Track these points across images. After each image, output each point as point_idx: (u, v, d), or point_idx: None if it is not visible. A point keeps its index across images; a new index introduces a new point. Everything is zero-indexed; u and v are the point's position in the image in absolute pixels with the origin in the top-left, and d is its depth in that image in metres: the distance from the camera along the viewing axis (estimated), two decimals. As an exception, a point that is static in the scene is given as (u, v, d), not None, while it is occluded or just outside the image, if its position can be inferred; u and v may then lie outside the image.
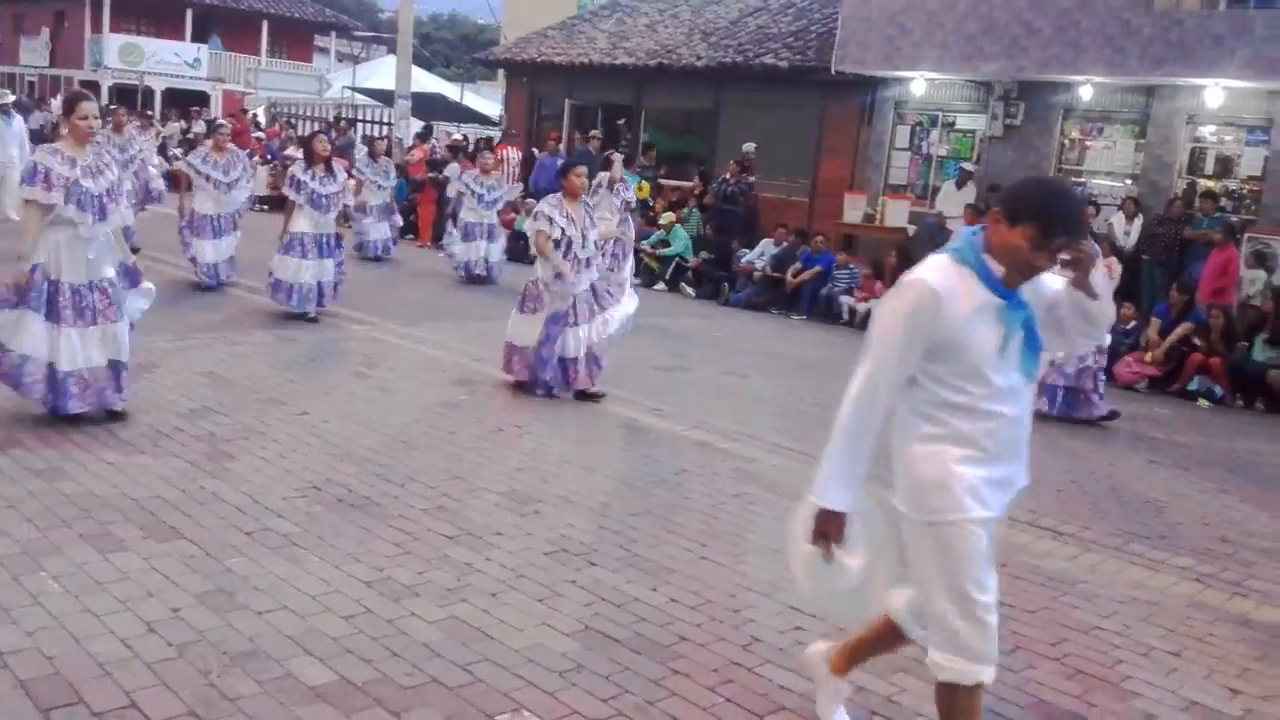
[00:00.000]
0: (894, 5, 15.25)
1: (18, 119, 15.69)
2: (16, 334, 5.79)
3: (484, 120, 28.18)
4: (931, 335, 2.88)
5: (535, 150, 19.73)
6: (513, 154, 18.81)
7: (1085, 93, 14.34)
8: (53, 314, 5.82)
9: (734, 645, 4.06)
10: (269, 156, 21.27)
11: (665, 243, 15.88)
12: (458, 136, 22.95)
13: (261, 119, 29.05)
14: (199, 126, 25.96)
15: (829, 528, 2.99)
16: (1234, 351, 11.00)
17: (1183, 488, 7.26)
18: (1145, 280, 12.92)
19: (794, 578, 3.25)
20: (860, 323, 13.44)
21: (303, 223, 9.73)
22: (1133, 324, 11.65)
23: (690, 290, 15.21)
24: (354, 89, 30.00)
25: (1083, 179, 14.96)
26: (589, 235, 7.85)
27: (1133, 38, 13.21)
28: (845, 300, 13.86)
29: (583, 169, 8.16)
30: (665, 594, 4.47)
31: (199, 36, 35.94)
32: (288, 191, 9.87)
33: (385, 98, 24.99)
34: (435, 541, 4.81)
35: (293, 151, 17.80)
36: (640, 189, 16.28)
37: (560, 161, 18.59)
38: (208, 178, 11.01)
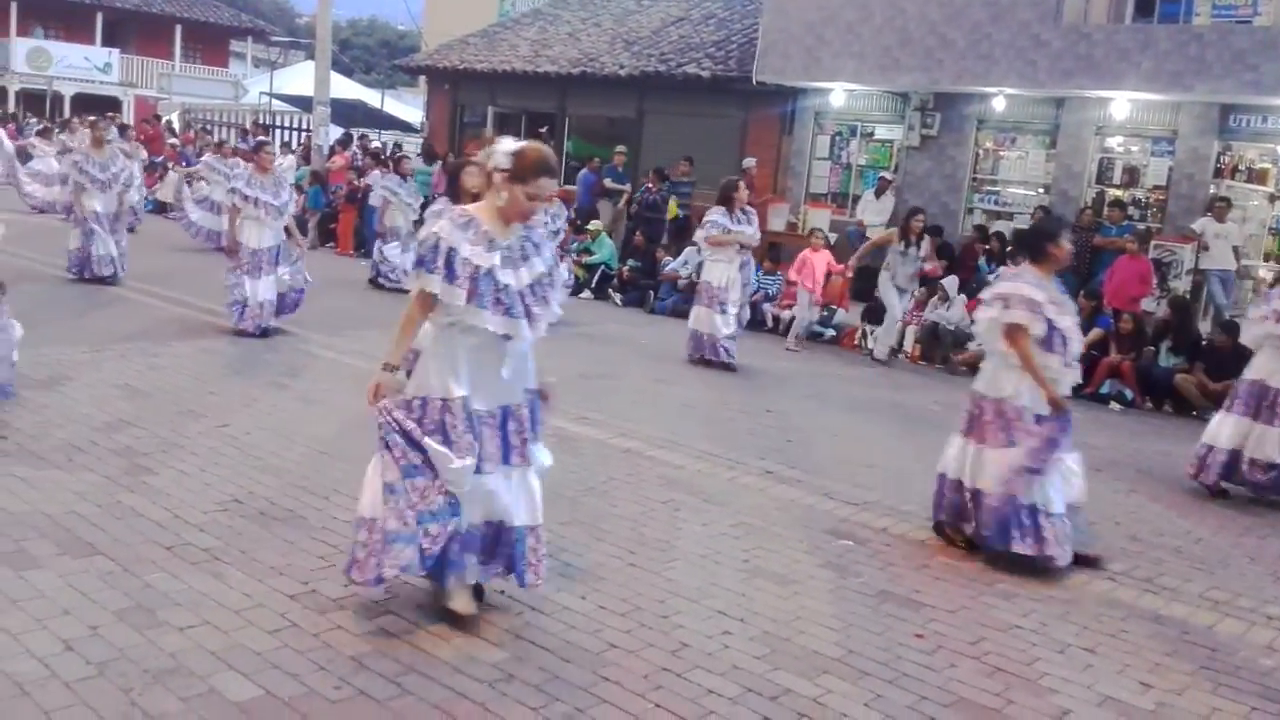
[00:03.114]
0: (812, 17, 15.49)
1: None
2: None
3: (406, 127, 27.96)
4: None
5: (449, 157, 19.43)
6: None
7: (998, 104, 14.70)
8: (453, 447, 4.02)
9: (663, 651, 4.09)
10: (184, 163, 20.87)
11: (589, 251, 15.91)
12: (376, 144, 22.71)
13: (176, 125, 28.49)
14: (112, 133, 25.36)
15: None
16: (1142, 357, 11.35)
17: (1095, 488, 7.45)
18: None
19: None
20: (783, 330, 13.58)
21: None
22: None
23: (617, 298, 15.26)
24: (271, 95, 29.58)
25: (997, 188, 15.36)
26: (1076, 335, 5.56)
27: (1042, 50, 13.59)
28: (768, 308, 13.98)
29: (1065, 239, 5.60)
30: (594, 601, 4.49)
31: (110, 41, 35.13)
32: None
33: (304, 104, 24.66)
34: (361, 553, 4.75)
35: (209, 158, 17.29)
36: (669, 207, 15.96)
37: (594, 179, 17.92)
38: (257, 202, 9.40)
